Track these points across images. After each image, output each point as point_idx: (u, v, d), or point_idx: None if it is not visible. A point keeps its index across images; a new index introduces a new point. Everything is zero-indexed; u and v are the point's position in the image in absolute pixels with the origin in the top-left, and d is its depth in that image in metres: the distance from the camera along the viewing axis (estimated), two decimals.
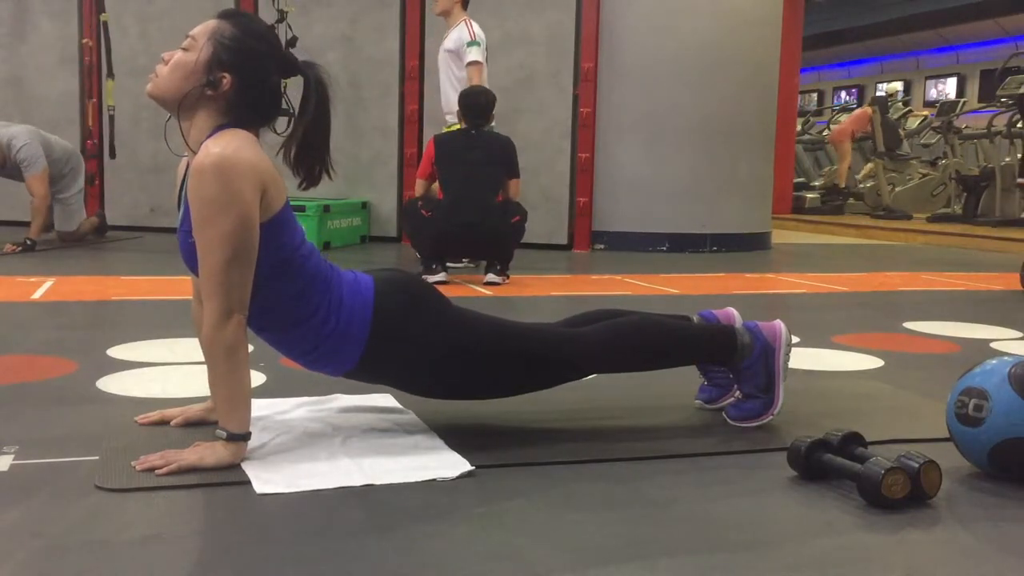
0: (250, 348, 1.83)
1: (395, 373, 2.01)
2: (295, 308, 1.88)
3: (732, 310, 2.25)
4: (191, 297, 2.13)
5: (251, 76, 1.86)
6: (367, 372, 1.99)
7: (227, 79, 1.83)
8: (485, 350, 1.99)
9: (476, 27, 5.58)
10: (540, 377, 2.09)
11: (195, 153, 1.80)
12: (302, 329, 1.90)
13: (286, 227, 1.86)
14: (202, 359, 2.76)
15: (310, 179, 1.97)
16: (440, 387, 2.05)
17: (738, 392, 2.24)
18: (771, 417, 2.16)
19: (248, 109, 1.89)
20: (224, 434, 1.78)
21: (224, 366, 1.78)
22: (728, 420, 2.20)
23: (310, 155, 1.96)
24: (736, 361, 2.17)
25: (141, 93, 7.13)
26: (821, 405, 2.36)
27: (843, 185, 12.30)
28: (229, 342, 1.76)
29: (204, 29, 1.86)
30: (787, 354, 2.19)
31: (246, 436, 1.81)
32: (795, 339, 2.31)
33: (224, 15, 1.89)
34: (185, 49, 1.85)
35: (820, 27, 17.87)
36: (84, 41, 7.48)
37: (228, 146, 1.76)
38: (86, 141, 7.40)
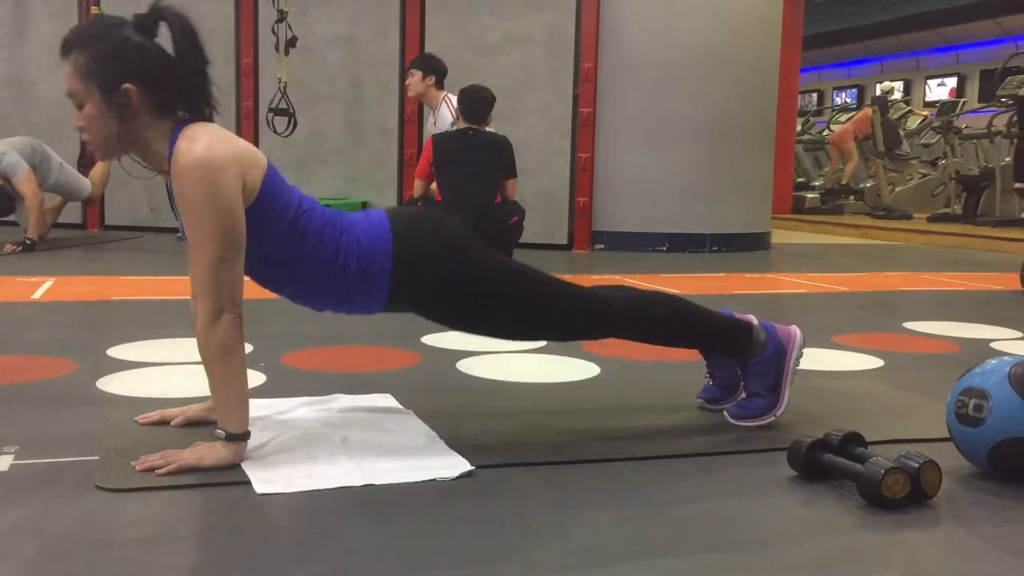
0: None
1: (425, 299, 2.01)
2: (317, 263, 1.89)
3: (751, 317, 2.27)
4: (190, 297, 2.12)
5: (136, 68, 1.78)
6: (402, 301, 1.99)
7: (128, 89, 1.77)
8: (513, 278, 2.03)
9: (456, 101, 5.47)
10: (564, 324, 2.10)
11: (167, 164, 1.79)
12: (328, 279, 1.91)
13: (279, 193, 1.86)
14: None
15: (200, 117, 1.87)
16: (467, 312, 2.03)
17: (743, 393, 2.24)
18: (773, 418, 2.17)
19: (177, 95, 1.83)
20: (223, 434, 1.78)
21: (219, 366, 1.78)
22: (729, 418, 2.20)
23: (193, 97, 1.85)
24: (749, 357, 2.19)
25: None
26: (821, 405, 2.36)
27: (845, 182, 12.33)
28: (221, 341, 1.76)
29: (69, 77, 1.80)
30: (798, 359, 2.21)
31: (245, 436, 1.81)
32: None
33: (63, 50, 1.82)
34: (80, 106, 1.81)
35: (820, 27, 17.87)
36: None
37: (200, 143, 1.75)
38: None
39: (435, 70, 5.66)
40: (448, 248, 1.98)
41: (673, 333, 2.22)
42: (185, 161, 1.74)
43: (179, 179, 1.75)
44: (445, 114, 5.53)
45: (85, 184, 6.43)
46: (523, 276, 2.06)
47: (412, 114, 7.41)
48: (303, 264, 1.89)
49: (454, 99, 5.47)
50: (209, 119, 1.86)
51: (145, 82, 1.78)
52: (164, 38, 1.82)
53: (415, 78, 5.68)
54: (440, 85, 5.69)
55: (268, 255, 1.88)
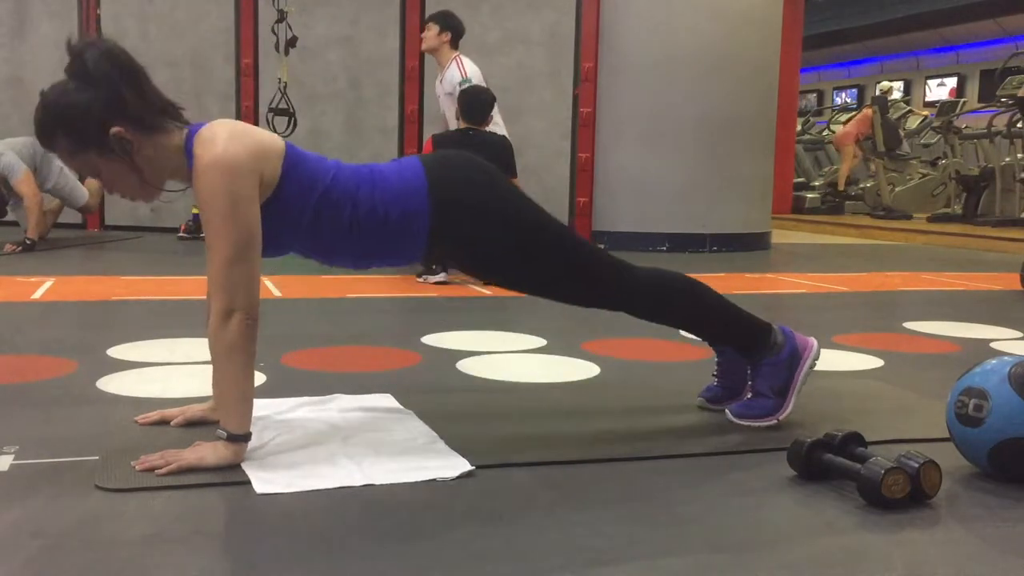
0: None
1: (462, 245, 2.02)
2: (359, 224, 1.91)
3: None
4: (204, 297, 2.13)
5: (105, 113, 1.77)
6: (442, 246, 2.00)
7: (116, 133, 1.78)
8: (551, 228, 2.06)
9: (467, 64, 5.46)
10: (590, 288, 2.12)
11: (189, 177, 1.82)
12: (373, 236, 1.93)
13: (302, 172, 1.88)
14: (202, 359, 2.77)
15: (178, 118, 1.88)
16: (500, 257, 2.04)
17: (749, 393, 2.24)
18: (775, 422, 2.17)
19: (154, 107, 1.83)
20: (224, 434, 1.78)
21: (225, 365, 1.79)
22: (731, 417, 2.20)
23: (160, 105, 1.85)
24: (763, 356, 2.19)
25: None
26: (821, 405, 2.36)
27: (841, 188, 12.31)
28: (228, 341, 1.76)
29: (69, 163, 1.84)
30: (811, 368, 2.22)
31: (246, 437, 1.81)
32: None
33: (47, 148, 1.84)
34: (97, 175, 1.84)
35: (820, 27, 17.89)
36: None
37: (218, 143, 1.77)
38: None
39: (452, 28, 5.62)
40: (483, 183, 2.01)
41: (693, 318, 2.23)
42: (203, 162, 1.77)
43: (197, 179, 1.78)
44: (454, 73, 5.48)
45: (83, 192, 6.45)
46: (562, 230, 2.10)
47: (412, 114, 7.42)
48: (346, 229, 1.91)
49: (466, 61, 5.46)
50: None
51: (121, 117, 1.78)
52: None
53: (431, 32, 5.64)
54: (455, 44, 5.66)
55: (309, 231, 1.90)
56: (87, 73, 1.77)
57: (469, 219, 1.97)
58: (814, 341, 2.25)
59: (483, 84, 5.38)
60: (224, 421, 1.80)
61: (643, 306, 2.17)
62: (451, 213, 1.95)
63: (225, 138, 1.79)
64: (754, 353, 2.21)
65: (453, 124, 5.56)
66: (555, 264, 2.07)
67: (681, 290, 2.20)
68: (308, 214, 1.88)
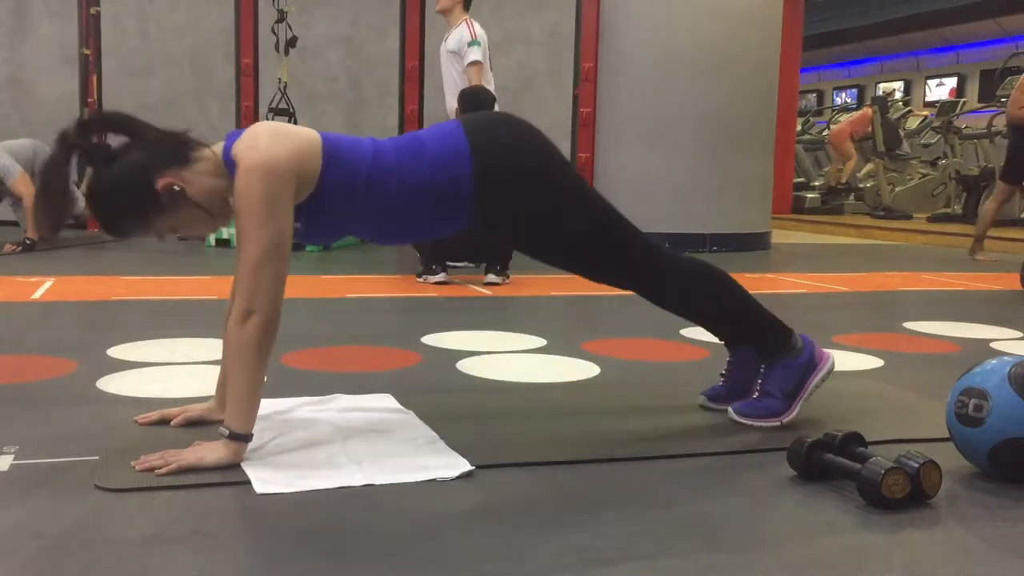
0: None
1: (503, 208, 2.02)
2: (404, 194, 1.93)
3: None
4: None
5: (141, 171, 1.81)
6: (486, 209, 2.00)
7: (164, 185, 1.81)
8: (593, 197, 2.11)
9: (477, 27, 5.58)
10: (624, 266, 2.13)
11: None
12: (420, 203, 1.94)
13: (343, 160, 1.89)
14: (202, 359, 2.77)
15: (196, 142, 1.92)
16: (540, 222, 2.05)
17: (755, 393, 2.23)
18: (777, 424, 2.16)
19: (183, 145, 1.87)
20: (226, 432, 1.78)
21: (236, 364, 1.80)
22: (733, 415, 2.20)
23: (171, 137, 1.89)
24: (780, 356, 2.19)
25: (141, 92, 7.22)
26: (821, 405, 2.36)
27: (844, 180, 12.34)
28: (242, 341, 1.78)
29: (131, 229, 1.87)
30: (823, 380, 2.22)
31: (247, 437, 1.80)
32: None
33: (118, 238, 1.91)
34: (175, 230, 1.88)
35: (820, 27, 17.89)
36: (84, 51, 7.49)
37: (259, 148, 1.79)
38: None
39: None
40: (525, 143, 2.05)
41: (718, 309, 2.23)
42: (244, 165, 1.79)
43: (238, 180, 1.80)
44: (463, 32, 5.54)
45: (81, 201, 6.44)
46: (602, 201, 2.12)
47: (412, 114, 7.42)
48: (396, 203, 1.93)
49: (476, 24, 5.54)
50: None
51: (154, 169, 1.81)
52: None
53: None
54: (467, 7, 5.73)
55: (359, 213, 1.93)
56: (97, 150, 1.82)
57: (509, 179, 1.99)
58: (831, 355, 2.25)
59: (487, 50, 5.51)
60: (228, 419, 1.80)
61: (674, 293, 2.17)
62: (492, 173, 1.97)
63: (266, 142, 1.81)
64: (773, 353, 2.21)
65: (449, 86, 5.62)
66: (590, 233, 2.08)
67: (717, 281, 2.20)
68: (356, 199, 1.90)
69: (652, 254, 2.13)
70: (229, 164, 1.83)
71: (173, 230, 1.88)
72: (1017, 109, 6.70)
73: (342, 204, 1.90)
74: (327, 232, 1.98)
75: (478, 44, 5.46)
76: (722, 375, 2.32)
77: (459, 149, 1.96)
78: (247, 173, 1.78)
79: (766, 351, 2.22)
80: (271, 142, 1.81)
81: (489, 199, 1.98)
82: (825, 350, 2.26)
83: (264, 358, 1.81)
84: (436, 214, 1.98)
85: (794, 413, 2.18)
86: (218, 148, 1.88)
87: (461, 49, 5.50)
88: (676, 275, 2.15)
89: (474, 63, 5.46)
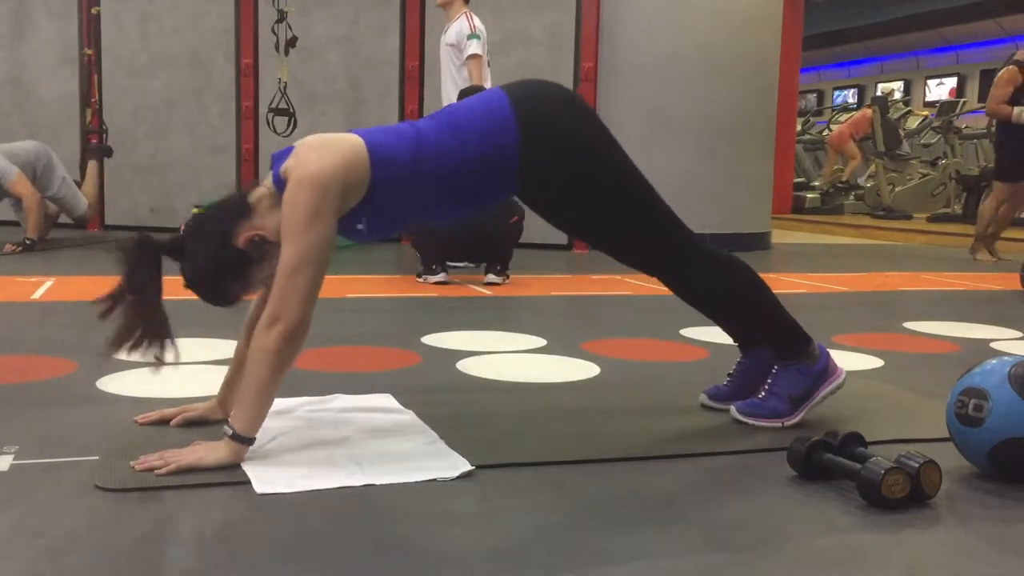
0: None
1: (545, 178, 2.03)
2: (456, 170, 1.94)
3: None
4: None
5: (221, 237, 1.89)
6: (530, 179, 2.01)
7: (244, 240, 1.86)
8: (636, 174, 2.18)
9: (477, 20, 5.58)
10: (656, 247, 2.16)
11: None
12: (469, 174, 1.95)
13: (389, 156, 1.89)
14: (202, 359, 2.76)
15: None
16: (583, 194, 2.07)
17: (761, 393, 2.23)
18: (779, 426, 2.16)
19: (241, 196, 1.92)
20: (230, 431, 1.78)
21: (254, 367, 1.80)
22: (735, 413, 2.20)
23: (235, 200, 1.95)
24: (796, 360, 2.20)
25: (141, 92, 7.20)
26: (821, 405, 2.36)
27: (845, 178, 12.36)
28: (264, 346, 1.78)
29: (237, 292, 1.95)
30: (832, 392, 2.23)
31: (250, 440, 1.80)
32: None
33: (214, 303, 2.00)
34: (269, 277, 1.90)
35: (820, 27, 17.88)
36: (85, 51, 7.49)
37: (311, 162, 1.81)
38: (88, 139, 7.41)
39: None
40: (568, 110, 2.05)
41: (741, 304, 2.23)
42: (294, 179, 1.80)
43: (286, 194, 1.81)
44: (463, 25, 5.54)
45: (83, 202, 6.47)
46: (643, 180, 2.18)
47: (412, 114, 7.42)
48: (449, 182, 1.94)
49: (476, 18, 5.55)
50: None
51: (229, 233, 1.87)
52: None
53: None
54: (467, 0, 5.73)
55: (415, 201, 1.95)
56: (173, 246, 1.93)
57: (553, 147, 2.00)
58: (844, 371, 2.26)
59: (486, 45, 5.51)
60: (233, 419, 1.80)
61: (705, 283, 2.17)
62: (536, 141, 1.97)
63: (314, 157, 1.82)
64: (790, 356, 2.21)
65: (447, 80, 5.63)
66: (634, 211, 2.10)
67: (748, 277, 2.20)
68: (408, 190, 1.92)
69: (693, 239, 2.15)
70: (280, 186, 1.84)
71: (273, 274, 1.87)
72: (995, 104, 6.72)
73: (396, 198, 1.92)
74: (387, 226, 1.99)
75: (477, 37, 5.46)
76: (729, 375, 2.32)
77: (504, 117, 1.96)
78: (296, 185, 1.80)
79: (782, 353, 2.22)
80: (318, 157, 1.82)
81: (533, 168, 1.99)
82: (840, 365, 2.26)
83: (283, 366, 1.80)
84: (484, 184, 1.99)
85: (797, 418, 2.18)
86: (268, 180, 1.90)
87: (460, 42, 5.50)
88: (716, 265, 2.16)
89: (473, 56, 5.46)
